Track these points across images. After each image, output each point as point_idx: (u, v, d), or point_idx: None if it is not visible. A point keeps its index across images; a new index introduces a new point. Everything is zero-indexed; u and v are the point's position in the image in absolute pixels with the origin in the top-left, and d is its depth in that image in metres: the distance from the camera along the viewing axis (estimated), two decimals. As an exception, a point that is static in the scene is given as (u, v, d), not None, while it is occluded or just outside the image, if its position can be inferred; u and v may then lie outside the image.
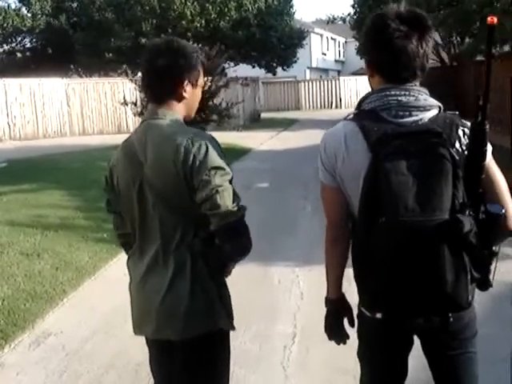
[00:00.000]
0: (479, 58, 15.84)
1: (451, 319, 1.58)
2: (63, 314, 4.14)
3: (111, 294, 4.30)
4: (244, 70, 25.67)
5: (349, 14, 22.16)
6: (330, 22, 23.62)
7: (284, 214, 6.93)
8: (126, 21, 24.61)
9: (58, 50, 27.01)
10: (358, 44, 24.14)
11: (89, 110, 20.11)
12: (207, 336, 1.79)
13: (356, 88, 31.48)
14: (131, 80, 13.85)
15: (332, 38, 44.04)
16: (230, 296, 1.89)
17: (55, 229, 6.42)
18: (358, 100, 1.67)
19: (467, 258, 1.49)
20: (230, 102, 13.33)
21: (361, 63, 17.47)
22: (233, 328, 1.88)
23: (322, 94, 33.24)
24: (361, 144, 1.55)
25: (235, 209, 1.68)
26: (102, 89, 20.26)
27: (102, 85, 20.42)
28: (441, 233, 1.44)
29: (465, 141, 1.55)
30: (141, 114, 11.65)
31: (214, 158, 1.70)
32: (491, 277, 1.58)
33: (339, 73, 42.76)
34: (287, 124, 22.57)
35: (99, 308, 4.19)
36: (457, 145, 1.54)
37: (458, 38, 19.25)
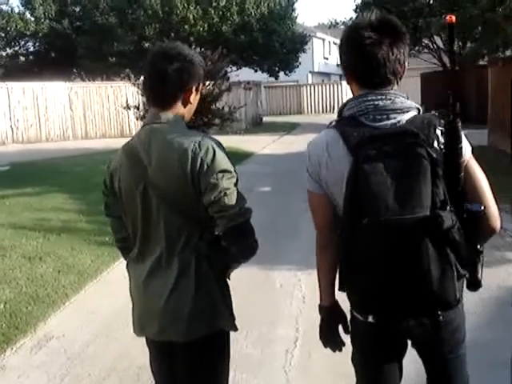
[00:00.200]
0: (481, 62, 15.84)
1: (441, 317, 1.59)
2: (65, 318, 4.15)
3: (113, 297, 4.29)
4: (246, 74, 25.70)
5: (351, 19, 22.27)
6: (332, 27, 23.75)
7: (286, 217, 6.92)
8: (128, 25, 24.72)
9: (61, 54, 27.13)
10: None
11: (91, 113, 20.17)
12: (209, 337, 1.80)
13: (358, 92, 31.54)
14: (134, 84, 13.86)
15: (334, 43, 43.99)
16: (231, 296, 1.90)
17: (57, 232, 6.43)
18: (339, 107, 1.71)
19: (452, 254, 1.50)
20: (232, 105, 13.35)
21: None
22: (235, 329, 1.89)
23: (324, 98, 33.34)
24: (342, 150, 1.59)
25: (242, 211, 1.71)
26: (105, 93, 20.33)
27: (105, 89, 20.50)
28: (422, 228, 1.46)
29: (442, 140, 1.58)
30: (143, 117, 11.66)
31: (221, 161, 1.73)
32: (479, 276, 1.60)
33: (341, 77, 42.78)
34: (289, 128, 22.59)
35: (101, 311, 4.20)
36: (435, 144, 1.56)
37: (460, 43, 19.29)
